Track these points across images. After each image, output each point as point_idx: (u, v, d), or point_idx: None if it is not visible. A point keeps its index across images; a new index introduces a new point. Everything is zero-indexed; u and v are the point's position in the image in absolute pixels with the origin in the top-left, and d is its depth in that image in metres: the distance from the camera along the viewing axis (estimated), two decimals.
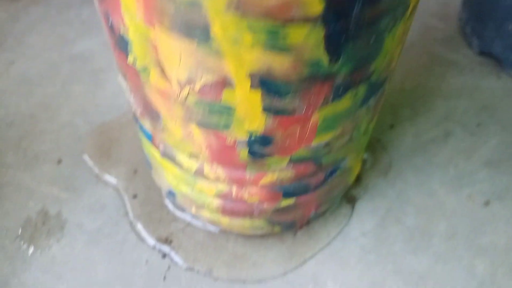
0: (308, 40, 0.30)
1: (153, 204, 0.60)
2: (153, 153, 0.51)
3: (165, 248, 0.56)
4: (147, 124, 0.45)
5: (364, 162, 0.64)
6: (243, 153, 0.41)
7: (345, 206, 0.61)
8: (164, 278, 0.54)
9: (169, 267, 0.55)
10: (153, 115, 0.41)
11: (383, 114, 0.72)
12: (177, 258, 0.56)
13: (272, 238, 0.58)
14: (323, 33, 0.30)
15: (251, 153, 0.41)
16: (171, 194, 0.55)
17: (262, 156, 0.41)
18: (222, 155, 0.42)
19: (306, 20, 0.29)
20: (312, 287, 0.55)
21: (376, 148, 0.67)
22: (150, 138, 0.48)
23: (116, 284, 0.53)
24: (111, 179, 0.62)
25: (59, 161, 0.64)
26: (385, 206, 0.62)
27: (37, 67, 0.77)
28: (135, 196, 0.61)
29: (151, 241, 0.57)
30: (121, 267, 0.55)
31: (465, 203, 0.63)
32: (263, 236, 0.58)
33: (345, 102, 0.38)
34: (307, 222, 0.59)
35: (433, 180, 0.65)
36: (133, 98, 0.43)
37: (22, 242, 0.56)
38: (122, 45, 0.36)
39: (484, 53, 0.83)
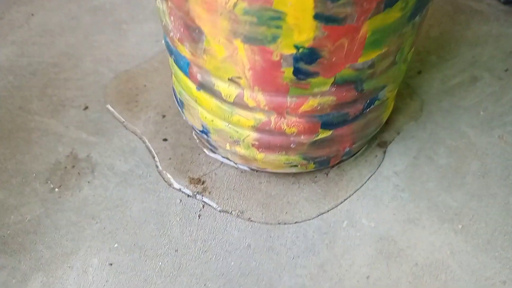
0: None
1: (184, 147, 0.59)
2: (188, 88, 0.50)
3: (198, 188, 0.56)
4: (185, 50, 0.44)
5: (395, 106, 0.64)
6: (288, 72, 0.40)
7: (377, 150, 0.61)
8: (199, 216, 0.54)
9: (203, 206, 0.55)
10: (195, 35, 0.41)
11: (411, 61, 0.71)
12: (210, 198, 0.55)
13: (304, 178, 0.58)
14: None
15: (296, 71, 0.40)
16: (204, 132, 0.54)
17: (306, 75, 0.40)
18: (265, 76, 0.41)
19: None
20: (347, 225, 0.54)
21: (406, 93, 0.66)
22: (187, 69, 0.47)
23: (151, 222, 0.53)
24: (139, 123, 0.61)
25: (86, 107, 0.63)
26: (417, 147, 0.61)
27: (57, 19, 0.76)
28: (165, 140, 0.60)
29: (184, 181, 0.56)
30: (155, 206, 0.54)
31: (497, 143, 0.62)
32: (295, 176, 0.58)
33: (395, 13, 0.37)
34: (340, 161, 0.58)
35: (463, 122, 0.64)
36: (172, 21, 0.42)
37: (53, 185, 0.56)
38: None
39: (509, 2, 0.81)
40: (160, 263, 0.50)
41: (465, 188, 0.58)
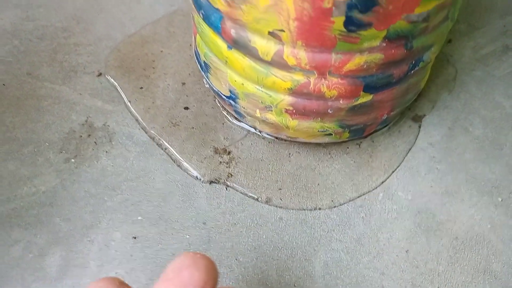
0: None
1: (207, 115, 0.56)
2: (217, 48, 0.46)
3: (224, 159, 0.52)
4: (220, 1, 0.40)
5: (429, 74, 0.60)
6: (338, 22, 0.36)
7: (410, 120, 0.58)
8: (226, 188, 0.51)
9: (230, 175, 0.51)
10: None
11: None
12: (237, 169, 0.52)
13: (336, 149, 0.55)
14: None
15: (347, 22, 0.36)
16: (231, 98, 0.50)
17: (358, 27, 0.37)
18: (312, 28, 0.37)
19: None
20: (383, 197, 0.51)
21: (438, 61, 0.63)
22: (219, 24, 0.43)
23: (176, 193, 0.50)
24: (158, 91, 0.57)
25: (100, 74, 0.59)
26: (452, 117, 0.58)
27: None
28: (186, 108, 0.56)
29: (208, 151, 0.53)
30: (179, 177, 0.51)
31: None
32: (326, 147, 0.55)
33: None
34: (373, 131, 0.55)
35: (497, 93, 0.61)
36: None
37: (68, 155, 0.52)
38: None
39: None
40: (188, 236, 0.47)
41: (503, 160, 0.55)
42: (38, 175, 0.50)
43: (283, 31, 0.38)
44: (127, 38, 0.63)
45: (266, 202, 0.49)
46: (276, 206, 0.49)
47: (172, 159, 0.52)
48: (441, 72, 0.62)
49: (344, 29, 0.37)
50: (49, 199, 0.48)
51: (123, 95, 0.57)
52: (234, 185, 0.50)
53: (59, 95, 0.57)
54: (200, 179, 0.50)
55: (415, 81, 0.49)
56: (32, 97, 0.56)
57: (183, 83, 0.58)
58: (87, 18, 0.65)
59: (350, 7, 0.35)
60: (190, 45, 0.63)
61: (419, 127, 0.57)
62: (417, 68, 0.46)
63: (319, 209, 0.49)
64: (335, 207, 0.50)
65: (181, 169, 0.51)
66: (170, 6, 0.68)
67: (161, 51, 0.61)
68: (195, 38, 0.52)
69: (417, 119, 0.58)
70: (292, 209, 0.49)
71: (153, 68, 0.59)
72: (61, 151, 0.52)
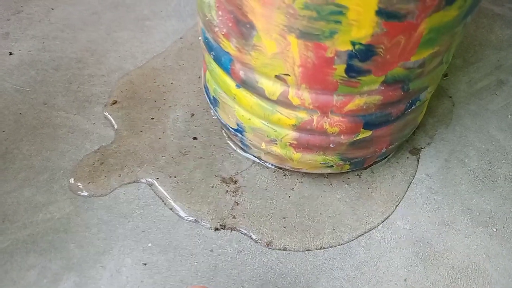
0: None
1: (214, 146, 0.58)
2: (226, 85, 0.49)
3: (231, 188, 0.55)
4: (231, 46, 0.43)
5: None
6: (339, 70, 0.39)
7: (408, 152, 0.60)
8: (233, 217, 0.53)
9: (236, 204, 0.54)
10: (245, 30, 0.40)
11: None
12: (243, 198, 0.54)
13: (337, 180, 0.57)
14: None
15: (348, 69, 0.39)
16: (238, 131, 0.53)
17: (358, 73, 0.40)
18: (315, 73, 0.40)
19: None
20: (382, 227, 0.54)
21: (434, 95, 0.66)
22: (229, 65, 0.46)
23: (184, 220, 0.52)
24: (168, 121, 0.60)
25: (113, 103, 0.62)
26: (448, 149, 0.61)
27: (78, 14, 0.74)
28: (195, 138, 0.59)
29: (215, 181, 0.55)
30: (192, 201, 0.53)
31: None
32: (328, 177, 0.57)
33: (453, 12, 0.37)
34: (373, 163, 0.58)
35: (491, 126, 0.64)
36: (220, 15, 0.41)
37: (81, 182, 0.54)
38: None
39: None
40: (196, 263, 0.49)
41: (497, 191, 0.57)
42: (53, 202, 0.53)
43: (289, 75, 0.41)
44: (139, 70, 0.66)
45: (267, 245, 0.51)
46: (281, 235, 0.51)
47: (181, 187, 0.54)
48: (438, 106, 0.65)
49: (345, 75, 0.40)
50: (63, 226, 0.51)
51: (135, 124, 0.59)
52: (240, 212, 0.53)
53: (73, 124, 0.60)
54: (207, 207, 0.53)
55: (412, 118, 0.52)
56: (48, 126, 0.59)
57: (192, 114, 0.61)
58: (100, 50, 0.69)
59: (350, 56, 0.38)
60: (199, 77, 0.66)
61: (417, 159, 0.60)
62: (414, 106, 0.49)
63: (321, 238, 0.52)
64: (336, 236, 0.52)
65: (193, 194, 0.54)
66: (180, 39, 0.71)
67: (171, 83, 0.64)
68: (204, 74, 0.55)
69: (415, 151, 0.60)
70: (296, 237, 0.51)
71: (164, 99, 0.62)
72: (75, 179, 0.55)
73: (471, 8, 0.39)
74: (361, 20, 0.35)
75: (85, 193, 0.54)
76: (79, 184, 0.54)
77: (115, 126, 0.60)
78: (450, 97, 0.67)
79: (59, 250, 0.49)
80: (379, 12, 0.34)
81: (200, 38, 0.51)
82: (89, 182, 0.55)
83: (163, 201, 0.53)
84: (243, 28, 0.40)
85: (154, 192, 0.54)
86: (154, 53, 0.69)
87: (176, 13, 0.75)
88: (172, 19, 0.75)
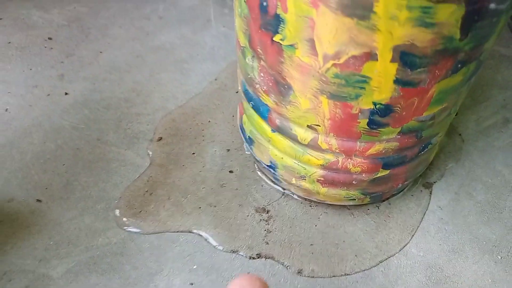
0: (450, 18, 0.36)
1: (248, 178, 0.66)
2: (263, 129, 0.57)
3: (264, 217, 0.62)
4: (270, 100, 0.51)
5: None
6: (363, 123, 0.47)
7: (422, 186, 0.67)
8: (267, 243, 0.60)
9: (268, 232, 0.61)
10: (283, 90, 0.48)
11: None
12: (275, 226, 0.62)
13: (358, 210, 0.64)
14: (463, 12, 0.36)
15: (370, 123, 0.47)
16: (271, 167, 0.61)
17: (378, 126, 0.47)
18: (342, 125, 0.48)
19: (454, 0, 0.35)
20: (399, 253, 0.60)
21: (445, 133, 0.73)
22: (266, 114, 0.54)
23: (230, 241, 0.59)
24: (207, 156, 0.68)
25: (159, 139, 0.70)
26: (457, 183, 0.68)
27: (123, 57, 0.83)
28: (231, 172, 0.67)
29: (250, 210, 0.63)
30: (227, 232, 0.61)
31: None
32: (350, 208, 0.64)
33: (458, 77, 0.44)
34: (391, 196, 0.65)
35: (497, 162, 0.71)
36: (262, 76, 0.49)
37: (134, 210, 0.62)
38: (272, 24, 0.42)
39: None
40: None
41: (502, 222, 0.64)
42: (110, 228, 0.61)
43: (319, 125, 0.49)
44: (180, 109, 0.74)
45: (297, 271, 0.58)
46: (309, 259, 0.59)
47: (221, 216, 0.62)
48: (449, 143, 0.72)
49: (367, 127, 0.47)
50: (119, 249, 0.59)
51: (179, 159, 0.68)
52: (273, 239, 0.60)
53: (124, 158, 0.68)
54: (244, 234, 0.60)
55: (425, 158, 0.59)
56: (102, 160, 0.68)
57: (228, 150, 0.69)
58: (145, 91, 0.77)
59: (372, 113, 0.45)
60: (233, 116, 0.74)
61: (430, 192, 0.66)
62: (426, 149, 0.56)
63: (345, 263, 0.59)
64: (359, 262, 0.59)
65: (229, 225, 0.61)
66: (215, 80, 0.80)
67: (209, 121, 0.72)
68: (241, 116, 0.63)
69: (428, 185, 0.67)
70: (322, 262, 0.58)
71: (203, 136, 0.70)
72: (128, 207, 0.63)
73: (474, 72, 0.46)
74: (381, 87, 0.42)
75: (138, 220, 0.61)
76: (131, 212, 0.62)
77: (162, 161, 0.68)
78: (460, 134, 0.74)
79: (117, 271, 0.57)
80: (397, 81, 0.42)
81: (239, 88, 0.59)
82: (140, 211, 0.63)
83: (205, 227, 0.61)
84: (281, 88, 0.48)
85: (197, 219, 0.62)
86: (193, 93, 0.78)
87: (211, 57, 0.84)
88: (207, 62, 0.83)
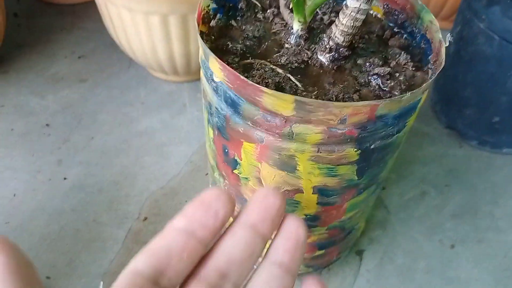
0: (348, 171, 0.55)
1: None
2: None
3: None
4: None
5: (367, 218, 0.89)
6: None
7: (354, 254, 0.86)
8: None
9: None
10: (241, 199, 0.65)
11: None
12: None
13: (303, 276, 0.82)
14: (356, 168, 0.55)
15: None
16: None
17: (310, 227, 0.65)
18: None
19: (348, 163, 0.54)
20: None
21: (374, 206, 0.92)
22: None
23: None
24: None
25: (145, 219, 0.86)
26: (382, 250, 0.87)
27: (112, 142, 0.99)
28: None
29: None
30: None
31: (437, 246, 0.88)
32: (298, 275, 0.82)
33: (363, 196, 0.63)
34: (329, 264, 0.83)
35: (414, 230, 0.90)
36: (225, 188, 0.67)
37: None
38: (232, 163, 0.60)
39: (450, 127, 1.10)
40: None
41: (415, 282, 0.83)
42: None
43: None
44: (161, 190, 0.91)
45: None
46: None
47: None
48: (378, 214, 0.91)
49: None
50: None
51: None
52: None
53: (117, 237, 0.84)
54: None
55: (352, 237, 0.78)
56: (98, 239, 0.83)
57: None
58: (132, 174, 0.94)
59: (305, 220, 0.64)
60: None
61: (361, 258, 0.85)
62: (352, 233, 0.75)
63: None
64: None
65: None
66: (190, 162, 0.97)
67: (186, 201, 0.89)
68: None
69: (359, 252, 0.86)
70: None
71: None
72: None
73: (376, 190, 0.65)
74: (309, 206, 0.61)
75: None
76: None
77: (148, 239, 0.84)
78: (386, 207, 0.93)
79: None
80: (318, 203, 0.60)
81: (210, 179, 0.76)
82: None
83: None
84: (240, 198, 0.65)
85: None
86: (172, 175, 0.94)
87: (186, 140, 1.01)
88: (183, 144, 1.00)
